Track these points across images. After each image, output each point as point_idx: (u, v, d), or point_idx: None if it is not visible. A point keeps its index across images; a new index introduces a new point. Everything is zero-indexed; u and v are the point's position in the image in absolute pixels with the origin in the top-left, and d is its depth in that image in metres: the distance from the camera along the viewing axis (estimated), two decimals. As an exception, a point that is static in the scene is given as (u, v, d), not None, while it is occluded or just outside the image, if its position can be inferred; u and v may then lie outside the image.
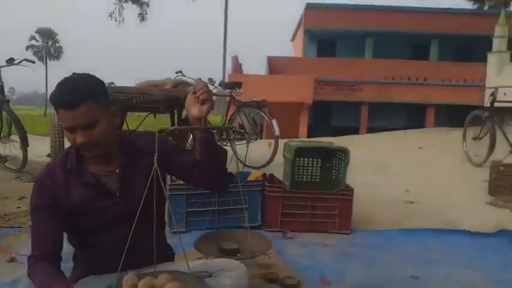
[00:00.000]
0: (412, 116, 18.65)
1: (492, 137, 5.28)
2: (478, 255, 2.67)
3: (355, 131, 14.97)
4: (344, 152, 3.09)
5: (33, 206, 1.43)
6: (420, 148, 7.16)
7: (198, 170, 1.52)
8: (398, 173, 5.19)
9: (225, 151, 1.57)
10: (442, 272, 2.37)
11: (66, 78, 1.40)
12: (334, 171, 3.33)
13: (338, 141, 3.64)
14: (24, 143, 4.55)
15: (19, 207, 3.37)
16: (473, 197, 4.05)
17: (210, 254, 1.74)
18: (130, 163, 1.51)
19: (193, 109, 1.45)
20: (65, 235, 1.55)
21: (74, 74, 1.43)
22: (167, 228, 1.78)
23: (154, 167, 1.34)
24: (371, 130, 14.13)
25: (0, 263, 2.36)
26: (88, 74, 1.45)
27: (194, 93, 1.45)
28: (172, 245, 1.76)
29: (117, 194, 1.48)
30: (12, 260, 2.36)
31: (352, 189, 3.06)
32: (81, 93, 1.35)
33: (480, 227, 3.20)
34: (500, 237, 2.97)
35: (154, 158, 1.34)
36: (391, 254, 2.67)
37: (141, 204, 1.33)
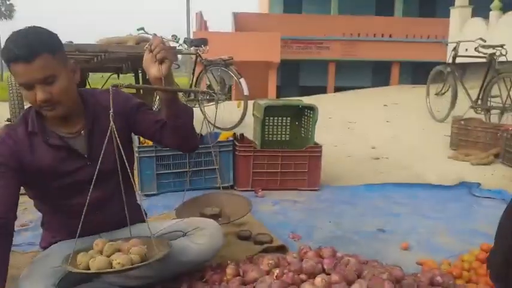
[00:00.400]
0: (377, 74, 18.91)
1: (453, 92, 5.44)
2: (440, 206, 2.80)
3: (323, 90, 15.09)
4: (312, 109, 3.11)
5: None
6: (385, 105, 7.32)
7: (167, 131, 1.48)
8: (365, 130, 5.31)
9: (192, 110, 1.53)
10: (407, 224, 2.48)
11: (17, 30, 1.30)
12: (303, 129, 3.35)
13: (307, 100, 3.65)
14: None
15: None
16: (436, 152, 4.21)
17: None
18: (95, 123, 1.45)
19: (151, 69, 1.37)
20: (32, 202, 1.51)
21: (20, 29, 1.33)
22: (138, 191, 1.75)
23: (110, 125, 1.28)
24: (338, 89, 14.30)
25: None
26: (41, 27, 1.34)
27: (151, 51, 1.37)
28: (146, 208, 1.74)
29: (86, 155, 1.43)
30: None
31: (321, 147, 3.10)
32: (36, 44, 1.26)
33: (442, 180, 3.35)
34: (461, 189, 3.12)
35: (110, 116, 1.27)
36: (358, 209, 2.76)
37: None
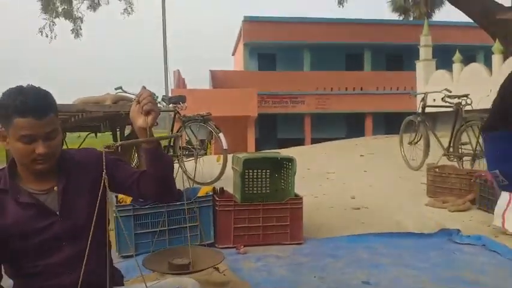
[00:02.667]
0: (352, 125, 19.47)
1: (426, 141, 5.62)
2: (423, 255, 2.79)
3: (300, 142, 15.36)
4: (291, 161, 3.14)
5: None
6: (362, 156, 7.46)
7: (145, 181, 1.47)
8: (343, 180, 5.36)
9: (172, 160, 1.55)
10: (391, 275, 2.45)
11: (22, 87, 1.34)
12: (282, 181, 3.36)
13: (285, 152, 3.71)
14: None
15: None
16: (413, 200, 4.26)
17: (160, 270, 1.67)
18: (69, 180, 1.43)
19: (138, 120, 1.39)
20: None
21: (20, 85, 1.36)
22: (116, 253, 1.69)
23: (102, 184, 1.27)
24: (315, 141, 14.58)
25: None
26: (40, 87, 1.39)
27: (138, 102, 1.40)
28: (122, 270, 1.67)
29: (57, 212, 1.40)
30: None
31: (301, 198, 3.11)
32: (47, 104, 1.34)
33: (422, 228, 3.37)
34: (441, 237, 3.14)
35: (103, 175, 1.27)
36: (342, 261, 2.72)
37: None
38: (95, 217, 1.27)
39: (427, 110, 5.82)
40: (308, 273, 2.49)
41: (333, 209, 4.00)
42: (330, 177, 5.64)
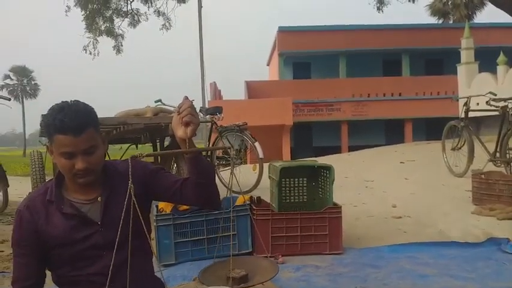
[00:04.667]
0: (390, 132, 19.00)
1: (470, 147, 5.40)
2: (470, 265, 2.66)
3: (336, 150, 15.14)
4: (328, 169, 3.10)
5: (13, 241, 1.44)
6: (402, 163, 7.25)
7: (188, 189, 1.50)
8: (383, 188, 5.23)
9: (213, 167, 1.57)
10: (437, 286, 2.36)
11: (65, 104, 1.39)
12: (320, 189, 3.32)
13: (321, 160, 3.66)
14: (4, 184, 4.42)
15: (2, 251, 3.23)
16: (458, 208, 4.09)
17: (220, 284, 1.65)
18: (112, 191, 1.48)
19: (178, 130, 1.42)
20: (49, 274, 1.49)
21: (65, 101, 1.42)
22: (156, 262, 1.72)
23: (128, 193, 1.30)
24: (352, 148, 14.32)
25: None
26: (83, 102, 1.44)
27: (179, 113, 1.42)
28: (164, 279, 1.70)
29: (99, 222, 1.44)
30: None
31: (340, 207, 3.05)
32: (86, 120, 1.37)
33: (468, 237, 3.22)
34: (489, 246, 2.99)
35: (129, 184, 1.30)
36: (385, 271, 2.64)
37: (119, 231, 1.28)
38: (130, 228, 1.30)
39: (471, 114, 5.61)
40: (349, 284, 2.43)
41: (373, 218, 3.90)
42: (369, 185, 5.52)
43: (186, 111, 1.40)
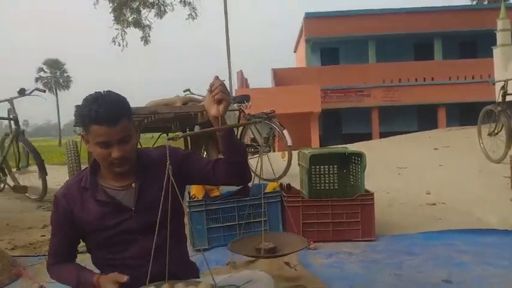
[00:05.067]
0: (423, 118, 18.52)
1: (508, 131, 5.19)
2: (509, 253, 2.58)
3: (367, 136, 14.89)
4: (360, 156, 3.05)
5: (51, 222, 1.55)
6: (436, 149, 7.06)
7: (221, 167, 1.52)
8: (416, 175, 5.12)
9: (244, 146, 1.63)
10: (475, 274, 2.29)
11: (99, 95, 1.42)
12: (351, 177, 3.28)
13: (352, 147, 3.61)
14: (43, 172, 4.59)
15: (43, 236, 3.37)
16: (496, 194, 3.95)
17: (247, 253, 1.68)
18: (146, 177, 1.51)
19: (211, 109, 1.43)
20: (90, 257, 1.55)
21: (98, 92, 1.45)
22: (190, 246, 1.75)
23: (166, 175, 1.31)
24: (383, 135, 14.04)
25: (28, 291, 2.34)
26: (117, 93, 1.47)
27: (211, 91, 1.43)
28: (197, 263, 1.72)
29: (132, 208, 1.48)
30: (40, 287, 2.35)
31: (373, 194, 3.00)
32: (120, 110, 1.40)
33: (507, 224, 3.11)
34: (530, 233, 2.88)
35: (167, 167, 1.31)
36: (419, 258, 2.59)
37: (158, 216, 1.29)
38: (168, 210, 1.32)
39: (508, 98, 5.37)
40: (383, 271, 2.40)
41: (406, 205, 3.83)
42: (402, 172, 5.41)
43: (217, 89, 1.40)
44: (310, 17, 19.81)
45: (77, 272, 1.48)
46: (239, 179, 1.57)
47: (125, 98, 1.47)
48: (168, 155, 1.32)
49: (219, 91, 1.40)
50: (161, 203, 1.29)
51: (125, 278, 1.37)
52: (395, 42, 19.69)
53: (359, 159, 3.07)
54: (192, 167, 1.56)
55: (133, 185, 1.50)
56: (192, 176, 1.58)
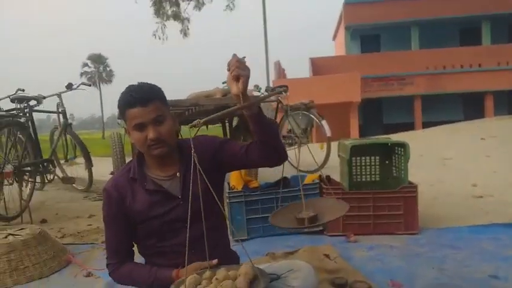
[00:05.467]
0: (469, 106, 17.72)
1: None
2: None
3: (409, 126, 14.44)
4: (403, 146, 2.97)
5: (104, 215, 1.58)
6: (483, 139, 6.76)
7: (253, 149, 1.53)
8: (462, 166, 4.93)
9: (276, 123, 1.58)
10: (525, 270, 2.19)
11: (131, 84, 1.51)
12: (394, 168, 3.20)
13: (394, 138, 3.51)
14: (89, 164, 4.80)
15: (90, 225, 3.54)
16: (549, 187, 3.75)
17: (288, 225, 1.66)
18: (188, 166, 1.53)
19: (232, 87, 1.41)
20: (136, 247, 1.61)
21: (131, 84, 1.53)
22: (230, 237, 1.78)
23: (192, 161, 1.29)
24: (426, 125, 13.57)
25: (79, 277, 2.47)
26: (145, 82, 1.54)
27: (229, 70, 1.41)
28: (237, 252, 1.75)
29: (179, 196, 1.53)
30: (88, 275, 2.47)
31: (416, 186, 2.92)
32: (150, 92, 1.49)
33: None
34: None
35: (192, 153, 1.29)
36: (464, 253, 2.51)
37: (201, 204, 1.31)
38: (215, 196, 1.34)
39: None
40: (426, 265, 2.34)
41: (451, 198, 3.70)
42: (447, 163, 5.23)
43: (233, 66, 1.38)
44: (349, 3, 19.32)
45: (149, 269, 1.52)
46: (273, 158, 1.54)
47: (156, 85, 1.54)
48: (192, 145, 1.32)
49: (235, 67, 1.38)
50: (200, 191, 1.31)
51: (213, 262, 1.43)
52: (440, 27, 18.87)
53: (402, 150, 2.99)
54: (227, 153, 1.58)
55: (177, 174, 1.56)
56: (228, 161, 1.60)
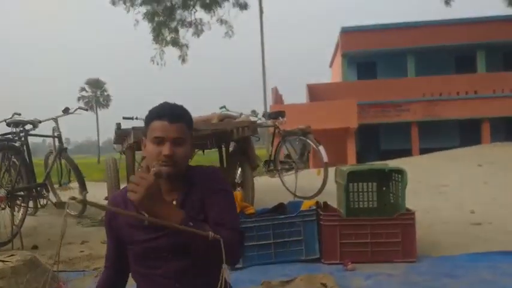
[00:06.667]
0: (466, 133, 17.82)
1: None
2: None
3: (406, 153, 14.43)
4: (400, 173, 2.95)
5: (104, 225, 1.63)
6: (480, 165, 6.76)
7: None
8: (459, 193, 4.90)
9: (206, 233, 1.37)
10: (526, 300, 2.14)
11: (165, 102, 1.54)
12: (391, 194, 3.17)
13: (391, 164, 3.49)
14: (83, 189, 4.75)
15: (82, 251, 3.46)
16: (548, 214, 3.71)
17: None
18: (187, 197, 1.50)
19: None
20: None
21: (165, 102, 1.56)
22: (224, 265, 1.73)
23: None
24: (423, 151, 13.58)
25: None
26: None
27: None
28: (231, 282, 1.70)
29: None
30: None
31: (414, 213, 2.89)
32: (181, 113, 1.50)
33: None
34: None
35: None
36: (463, 282, 2.47)
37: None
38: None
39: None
40: (425, 294, 2.29)
41: (449, 225, 3.66)
42: (443, 190, 5.20)
43: (129, 187, 1.36)
44: (346, 32, 19.68)
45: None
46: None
47: (188, 111, 1.55)
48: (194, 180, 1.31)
49: (130, 189, 1.35)
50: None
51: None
52: (436, 55, 19.18)
53: (399, 176, 2.97)
54: (208, 208, 1.48)
55: (174, 202, 1.50)
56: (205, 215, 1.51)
